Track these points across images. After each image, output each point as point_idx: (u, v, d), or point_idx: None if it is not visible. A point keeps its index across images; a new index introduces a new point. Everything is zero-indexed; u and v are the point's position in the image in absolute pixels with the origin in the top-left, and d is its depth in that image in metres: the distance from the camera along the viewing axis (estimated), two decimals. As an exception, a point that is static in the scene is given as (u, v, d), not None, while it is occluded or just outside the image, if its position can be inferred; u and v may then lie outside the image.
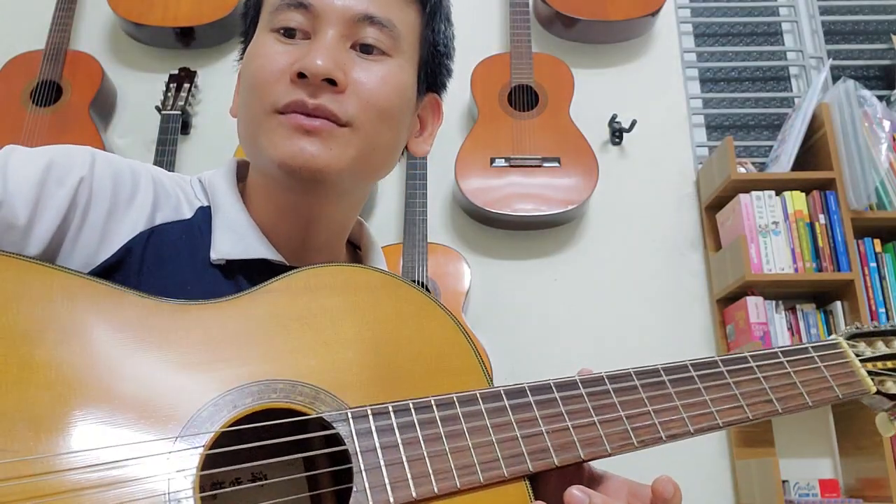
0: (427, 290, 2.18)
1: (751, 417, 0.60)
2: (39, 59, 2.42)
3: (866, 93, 2.29)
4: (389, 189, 2.47)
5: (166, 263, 0.64)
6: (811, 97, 2.32)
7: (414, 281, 2.10)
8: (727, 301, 2.30)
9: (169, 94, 2.42)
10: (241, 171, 0.76)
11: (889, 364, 0.68)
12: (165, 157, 2.29)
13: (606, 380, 0.59)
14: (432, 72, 0.74)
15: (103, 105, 2.48)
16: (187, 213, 0.69)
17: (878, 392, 0.66)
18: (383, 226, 2.42)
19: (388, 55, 0.67)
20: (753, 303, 2.16)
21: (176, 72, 2.49)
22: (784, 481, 2.08)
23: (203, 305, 0.55)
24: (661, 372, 0.61)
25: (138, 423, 0.48)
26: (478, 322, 2.28)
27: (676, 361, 0.62)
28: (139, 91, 2.56)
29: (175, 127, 2.36)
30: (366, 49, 0.66)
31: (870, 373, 0.66)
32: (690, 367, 0.61)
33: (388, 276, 0.61)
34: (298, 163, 0.62)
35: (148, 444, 0.48)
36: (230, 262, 0.66)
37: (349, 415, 0.52)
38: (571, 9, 2.54)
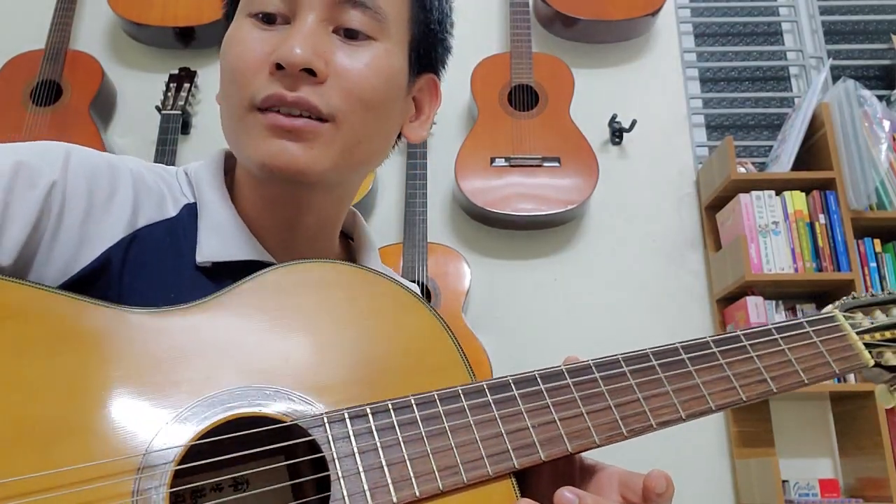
0: (427, 291, 2.16)
1: (744, 399, 0.58)
2: (39, 58, 2.42)
3: (866, 93, 2.29)
4: (389, 189, 2.47)
5: (150, 269, 0.60)
6: (811, 97, 2.32)
7: (414, 281, 2.10)
8: (727, 301, 2.30)
9: (169, 94, 2.42)
10: (229, 163, 0.71)
11: (888, 334, 0.65)
12: (165, 157, 2.29)
13: (594, 368, 0.56)
14: (426, 52, 0.69)
15: (103, 105, 2.48)
16: (172, 211, 0.64)
17: (877, 364, 0.64)
18: (383, 226, 2.42)
19: (374, 39, 0.62)
20: (753, 303, 2.16)
21: (176, 72, 2.49)
22: (784, 481, 2.08)
23: (171, 312, 0.52)
24: (651, 357, 0.58)
25: (102, 440, 0.46)
26: (478, 322, 2.28)
27: (666, 344, 0.60)
28: (139, 91, 2.56)
29: (175, 127, 2.36)
30: (350, 33, 0.62)
31: (867, 345, 0.64)
32: (681, 350, 0.59)
33: (365, 272, 0.59)
34: (279, 164, 0.59)
35: (113, 462, 0.45)
36: (217, 265, 0.62)
37: (325, 419, 0.50)
38: (571, 8, 2.54)
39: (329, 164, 0.61)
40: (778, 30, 2.83)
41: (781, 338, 0.62)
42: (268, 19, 0.61)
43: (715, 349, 0.60)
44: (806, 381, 0.60)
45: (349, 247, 0.78)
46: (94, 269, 0.58)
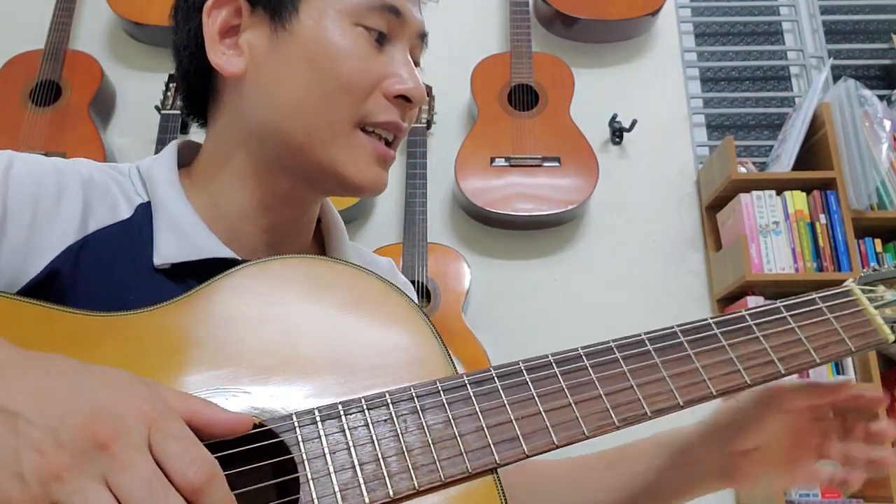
0: (427, 291, 2.15)
1: (749, 382, 0.55)
2: (39, 58, 2.41)
3: (867, 92, 2.28)
4: (389, 189, 2.44)
5: (104, 274, 0.58)
6: (812, 97, 2.32)
7: (413, 282, 2.10)
8: (728, 301, 2.30)
9: (168, 94, 2.41)
10: (185, 155, 0.69)
11: None
12: (165, 156, 2.29)
13: (583, 356, 0.55)
14: None
15: (103, 105, 2.48)
16: (126, 213, 0.62)
17: None
18: (383, 226, 2.41)
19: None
20: (754, 302, 2.16)
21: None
22: (784, 481, 2.08)
23: (138, 314, 0.51)
24: (646, 342, 0.56)
25: None
26: (478, 322, 2.28)
27: (663, 328, 0.57)
28: (139, 91, 2.56)
29: (175, 126, 2.35)
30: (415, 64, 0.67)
31: (890, 320, 0.59)
32: (679, 333, 0.56)
33: (344, 266, 0.57)
34: (375, 189, 0.64)
35: None
36: (176, 266, 0.60)
37: (294, 419, 0.48)
38: (571, 8, 2.54)
39: None
40: (778, 29, 2.83)
41: (791, 315, 0.59)
42: (381, 39, 0.63)
43: (717, 331, 0.57)
44: (818, 361, 0.58)
45: (317, 229, 0.77)
46: (43, 279, 0.56)
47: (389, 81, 0.62)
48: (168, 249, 0.60)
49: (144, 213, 0.63)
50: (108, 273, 0.58)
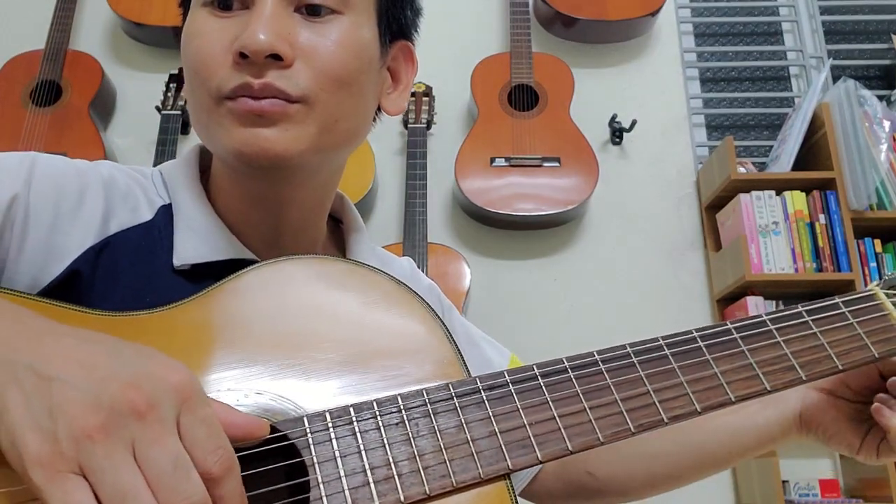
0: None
1: (769, 388, 0.54)
2: (39, 58, 2.41)
3: (866, 93, 2.29)
4: (389, 189, 2.47)
5: (124, 275, 0.58)
6: (811, 97, 2.32)
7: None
8: (727, 301, 2.30)
9: (169, 94, 2.41)
10: (205, 160, 0.69)
11: None
12: (166, 157, 2.28)
13: (599, 360, 0.54)
14: (395, 18, 0.66)
15: (103, 105, 2.48)
16: (147, 215, 0.62)
17: None
18: (383, 226, 2.42)
19: (339, 12, 0.60)
20: (753, 303, 2.16)
21: (176, 72, 2.48)
22: (784, 481, 2.08)
23: (151, 314, 0.51)
24: (664, 346, 0.55)
25: None
26: (478, 322, 2.27)
27: (681, 332, 0.56)
28: (139, 91, 2.56)
29: (175, 127, 2.35)
30: (313, 10, 0.59)
31: None
32: (698, 338, 0.55)
33: (358, 266, 0.56)
34: (254, 150, 0.57)
35: None
36: (196, 266, 0.60)
37: (305, 422, 0.47)
38: (571, 8, 2.54)
39: (306, 144, 0.59)
40: (778, 30, 2.83)
41: (813, 320, 0.58)
42: (224, 5, 0.59)
43: (736, 335, 0.56)
44: (840, 367, 0.56)
45: (339, 230, 0.76)
46: (64, 279, 0.56)
47: (232, 46, 0.57)
48: (187, 250, 0.60)
49: (165, 215, 0.63)
50: (128, 274, 0.58)
